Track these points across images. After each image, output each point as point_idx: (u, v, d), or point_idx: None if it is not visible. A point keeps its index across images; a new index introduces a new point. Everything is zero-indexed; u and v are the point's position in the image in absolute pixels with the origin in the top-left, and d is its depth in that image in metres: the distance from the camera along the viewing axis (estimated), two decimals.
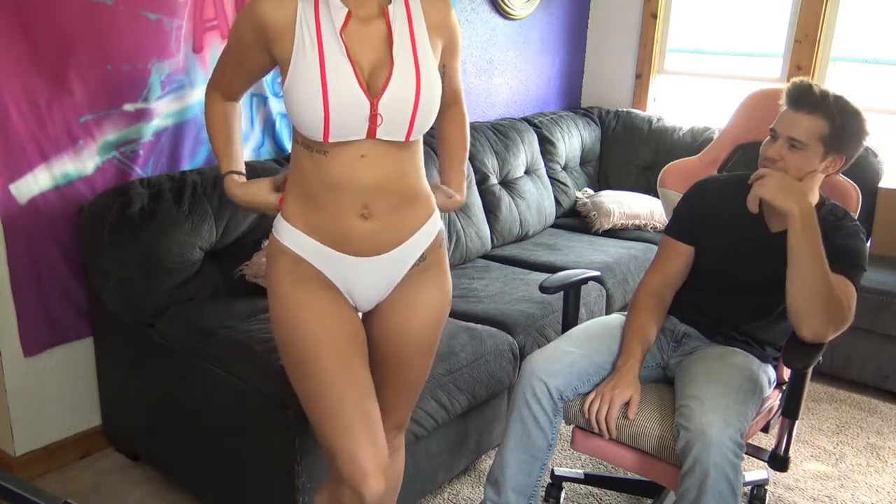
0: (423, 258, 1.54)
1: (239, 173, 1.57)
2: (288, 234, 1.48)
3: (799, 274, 1.73)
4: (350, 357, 1.47)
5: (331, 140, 1.37)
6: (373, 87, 1.37)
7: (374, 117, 1.36)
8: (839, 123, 1.77)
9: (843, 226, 1.86)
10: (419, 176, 1.52)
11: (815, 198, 1.90)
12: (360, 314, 1.58)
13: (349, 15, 1.38)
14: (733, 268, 1.96)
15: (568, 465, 2.47)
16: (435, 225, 1.56)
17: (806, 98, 1.79)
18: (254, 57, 1.46)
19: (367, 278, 1.51)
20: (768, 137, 1.85)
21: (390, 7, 1.41)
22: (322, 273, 1.49)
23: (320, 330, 1.46)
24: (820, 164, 1.81)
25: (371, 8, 1.40)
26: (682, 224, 2.05)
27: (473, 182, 3.11)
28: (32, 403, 2.25)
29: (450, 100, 1.63)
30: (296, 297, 1.47)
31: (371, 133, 1.38)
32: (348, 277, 1.50)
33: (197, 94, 2.41)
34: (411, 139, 1.43)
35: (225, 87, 1.57)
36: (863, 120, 1.81)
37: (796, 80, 1.86)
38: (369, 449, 1.43)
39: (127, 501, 2.22)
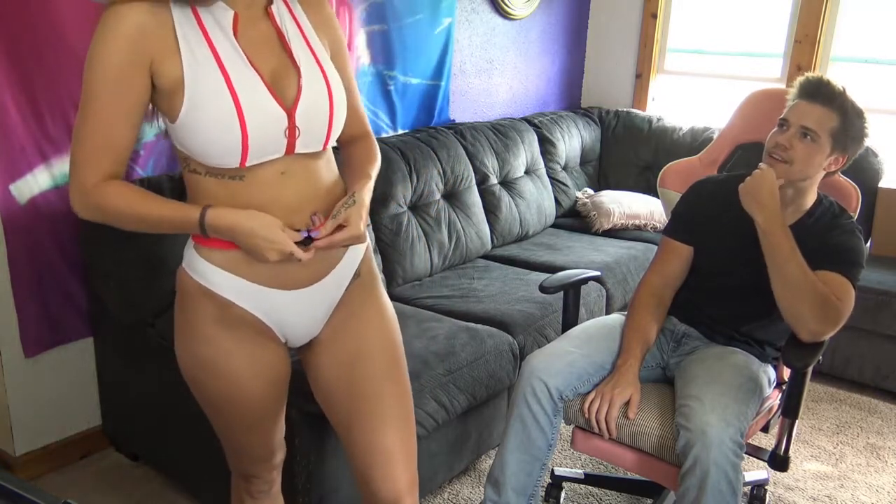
0: (357, 274, 1.40)
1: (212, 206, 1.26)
2: (209, 274, 1.29)
3: (776, 276, 1.77)
4: (264, 417, 1.44)
5: (248, 163, 1.20)
6: (284, 97, 1.22)
7: (292, 130, 1.22)
8: (849, 120, 1.80)
9: (840, 224, 1.87)
10: (337, 182, 1.37)
11: (812, 196, 1.91)
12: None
13: (236, 17, 1.20)
14: (732, 267, 1.96)
15: (568, 465, 2.47)
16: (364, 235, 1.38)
17: (822, 90, 1.81)
18: (140, 90, 1.18)
19: (303, 311, 1.36)
20: (775, 128, 1.86)
21: (273, 7, 1.26)
22: (251, 313, 1.32)
23: (245, 385, 1.36)
24: (825, 160, 1.82)
25: (257, 8, 1.24)
26: (680, 224, 2.05)
27: (473, 182, 3.11)
28: (32, 403, 2.25)
29: (355, 130, 1.43)
30: (224, 346, 1.32)
31: (290, 148, 1.24)
32: (281, 314, 1.34)
33: None
34: (329, 146, 1.32)
35: (110, 159, 1.22)
36: (866, 121, 1.83)
37: (810, 74, 1.89)
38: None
39: (127, 501, 2.22)
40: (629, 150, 3.83)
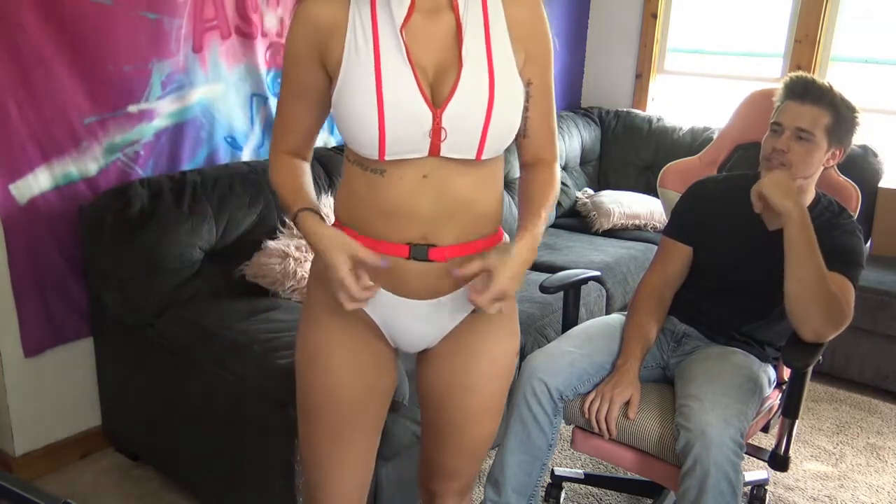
0: None
1: (313, 211, 1.24)
2: None
3: (795, 273, 1.73)
4: (354, 425, 1.36)
5: (387, 158, 1.16)
6: (437, 94, 1.16)
7: (437, 131, 1.15)
8: (841, 114, 1.81)
9: (840, 223, 1.87)
10: (494, 202, 1.28)
11: (811, 194, 1.91)
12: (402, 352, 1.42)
13: (412, 7, 1.16)
14: (732, 267, 1.96)
15: (568, 465, 2.47)
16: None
17: (811, 90, 1.81)
18: (311, 76, 1.23)
19: (416, 324, 1.31)
20: (769, 132, 1.86)
21: None
22: (363, 310, 1.28)
23: (343, 380, 1.32)
24: (823, 157, 1.83)
25: None
26: (680, 224, 2.05)
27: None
28: (32, 403, 2.25)
29: (538, 153, 1.32)
30: (332, 335, 1.31)
31: (434, 150, 1.17)
32: (394, 321, 1.31)
33: (197, 94, 2.41)
34: (484, 157, 1.19)
35: (289, 136, 1.31)
36: (857, 111, 1.84)
37: (795, 74, 1.88)
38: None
39: (127, 501, 2.22)
40: (629, 150, 3.82)
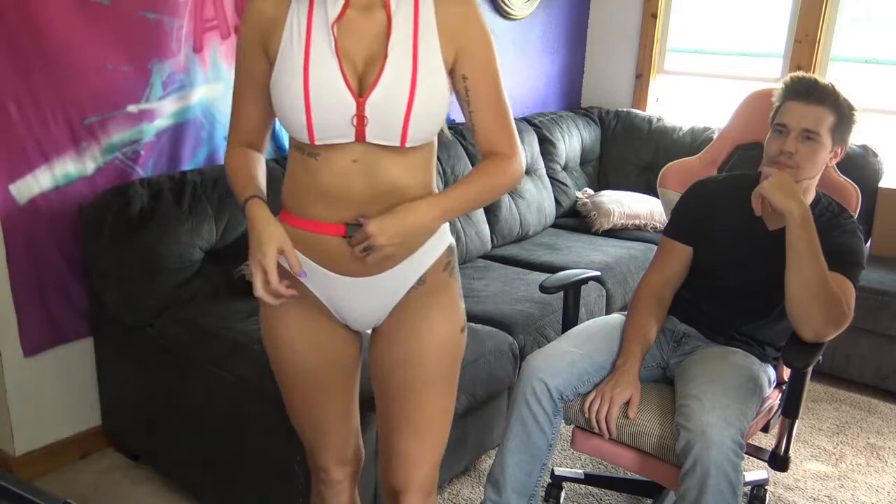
0: (421, 281, 1.39)
1: (259, 198, 1.36)
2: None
3: (797, 273, 1.73)
4: (319, 389, 1.47)
5: (317, 142, 1.26)
6: (364, 84, 1.25)
7: (360, 118, 1.24)
8: (844, 113, 1.81)
9: (841, 223, 1.87)
10: (427, 188, 1.35)
11: (812, 194, 1.91)
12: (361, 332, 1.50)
13: (347, 4, 1.25)
14: (732, 267, 1.96)
15: (568, 465, 2.47)
16: (439, 246, 1.40)
17: (816, 90, 1.82)
18: (257, 67, 1.33)
19: (356, 301, 1.40)
20: (772, 133, 1.86)
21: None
22: (310, 290, 1.39)
23: (299, 355, 1.43)
24: (828, 156, 1.84)
25: None
26: (679, 224, 2.05)
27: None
28: (32, 403, 2.25)
29: (489, 146, 1.37)
30: (285, 314, 1.41)
31: (360, 136, 1.25)
32: (336, 298, 1.40)
33: (197, 94, 2.41)
34: (409, 145, 1.27)
35: (243, 128, 1.41)
36: (856, 108, 1.85)
37: (796, 74, 1.88)
38: (332, 447, 1.54)
39: (127, 501, 2.22)
40: (629, 150, 3.83)
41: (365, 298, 1.39)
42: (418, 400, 1.43)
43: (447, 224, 1.42)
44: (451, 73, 1.31)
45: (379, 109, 1.24)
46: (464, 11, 1.29)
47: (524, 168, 1.42)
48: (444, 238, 1.42)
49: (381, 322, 1.44)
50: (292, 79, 1.24)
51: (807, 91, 1.82)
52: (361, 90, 1.24)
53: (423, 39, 1.26)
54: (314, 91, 1.23)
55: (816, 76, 1.86)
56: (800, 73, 1.89)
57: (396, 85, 1.24)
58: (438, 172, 2.94)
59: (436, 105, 1.28)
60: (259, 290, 1.29)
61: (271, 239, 1.29)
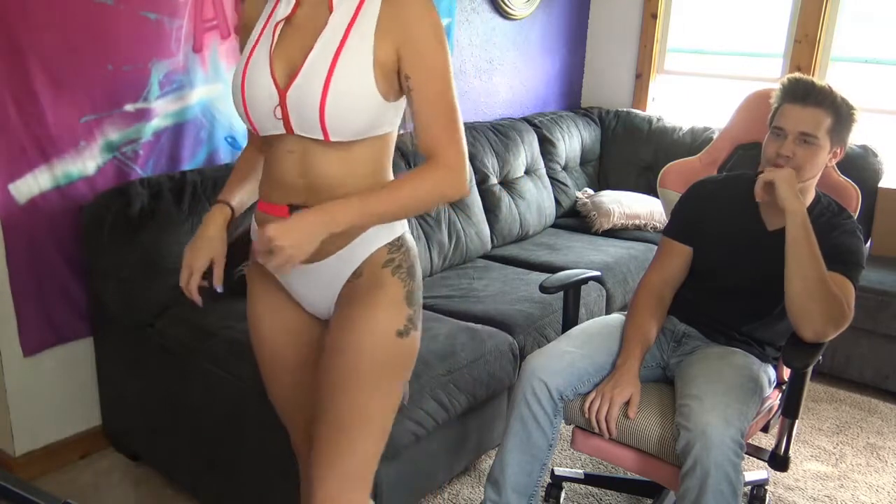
0: (357, 274, 1.38)
1: (226, 203, 1.47)
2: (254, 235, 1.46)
3: (797, 273, 1.74)
4: (285, 371, 1.52)
5: (260, 133, 1.34)
6: (288, 77, 1.28)
7: (283, 110, 1.28)
8: (842, 115, 1.81)
9: (840, 223, 1.87)
10: (365, 185, 1.34)
11: (811, 195, 1.91)
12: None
13: (298, 2, 1.30)
14: (731, 267, 1.96)
15: (568, 465, 2.47)
16: (375, 241, 1.38)
17: (813, 93, 1.81)
18: None
19: (304, 287, 1.44)
20: (770, 135, 1.86)
21: None
22: (273, 275, 1.47)
23: (265, 333, 1.51)
24: (826, 157, 1.84)
25: None
26: (679, 224, 2.05)
27: (473, 182, 3.11)
28: (32, 403, 2.25)
29: (424, 150, 1.33)
30: (255, 290, 1.51)
31: (288, 128, 1.29)
32: (289, 283, 1.46)
33: (197, 94, 2.41)
34: (334, 139, 1.28)
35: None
36: (854, 107, 1.84)
37: (793, 76, 1.88)
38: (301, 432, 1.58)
39: (127, 501, 2.22)
40: (629, 150, 3.83)
41: (311, 285, 1.43)
42: (341, 389, 1.35)
43: (402, 222, 1.40)
44: (398, 73, 1.29)
45: (296, 102, 1.26)
46: (411, 12, 1.27)
47: (467, 186, 1.34)
48: (385, 234, 1.38)
49: (331, 311, 1.45)
50: (237, 75, 1.32)
51: (804, 94, 1.82)
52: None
53: (355, 36, 1.26)
54: (248, 86, 1.30)
55: (813, 78, 1.86)
56: (796, 75, 1.88)
57: (312, 78, 1.25)
58: None
59: (354, 101, 1.26)
60: (182, 282, 1.43)
61: (208, 248, 1.43)
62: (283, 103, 1.27)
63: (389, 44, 1.27)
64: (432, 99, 1.30)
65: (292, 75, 1.27)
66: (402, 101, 1.34)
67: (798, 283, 1.74)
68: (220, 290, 1.44)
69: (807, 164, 1.81)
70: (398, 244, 1.41)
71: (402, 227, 1.43)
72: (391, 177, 1.40)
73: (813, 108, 1.80)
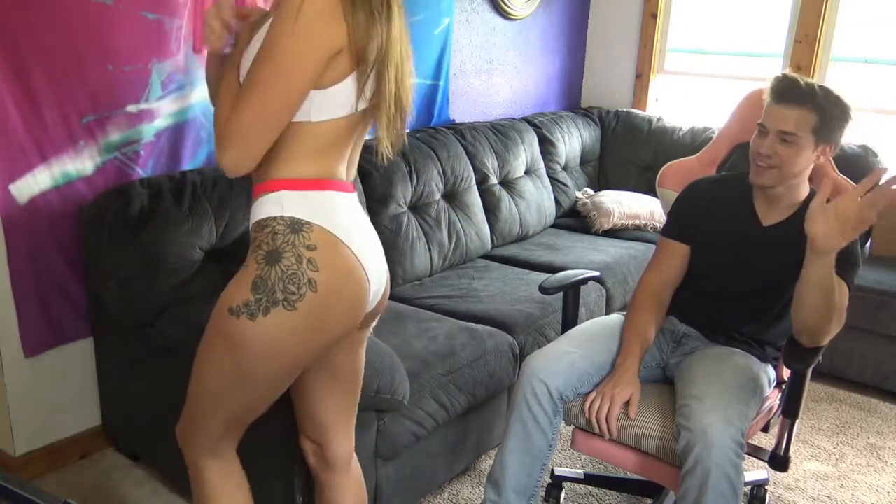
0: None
1: None
2: None
3: (811, 305, 1.67)
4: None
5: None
6: None
7: None
8: (827, 113, 1.79)
9: None
10: (274, 159, 1.34)
11: (804, 191, 1.91)
12: None
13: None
14: (729, 267, 1.96)
15: (568, 465, 2.47)
16: (256, 211, 1.38)
17: (793, 91, 1.80)
18: None
19: None
20: (756, 132, 1.86)
21: None
22: None
23: None
24: (812, 155, 1.82)
25: None
26: (677, 224, 2.05)
27: (473, 182, 3.11)
28: (32, 403, 2.25)
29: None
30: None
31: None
32: None
33: (197, 94, 2.40)
34: None
35: None
36: (846, 105, 1.82)
37: (780, 74, 1.87)
38: None
39: (127, 501, 2.22)
40: (629, 150, 3.83)
41: None
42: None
43: (276, 203, 1.35)
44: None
45: None
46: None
47: (229, 160, 1.29)
48: (259, 209, 1.38)
49: None
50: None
51: (785, 92, 1.81)
52: None
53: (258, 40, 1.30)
54: None
55: (799, 76, 1.83)
56: (782, 74, 1.87)
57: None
58: (438, 173, 2.94)
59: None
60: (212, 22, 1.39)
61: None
62: None
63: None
64: (253, 65, 1.28)
65: None
66: (326, 93, 1.30)
67: (812, 313, 1.68)
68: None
69: (788, 162, 1.80)
70: (264, 224, 1.36)
71: (275, 209, 1.35)
72: (307, 166, 1.36)
73: (795, 107, 1.79)
